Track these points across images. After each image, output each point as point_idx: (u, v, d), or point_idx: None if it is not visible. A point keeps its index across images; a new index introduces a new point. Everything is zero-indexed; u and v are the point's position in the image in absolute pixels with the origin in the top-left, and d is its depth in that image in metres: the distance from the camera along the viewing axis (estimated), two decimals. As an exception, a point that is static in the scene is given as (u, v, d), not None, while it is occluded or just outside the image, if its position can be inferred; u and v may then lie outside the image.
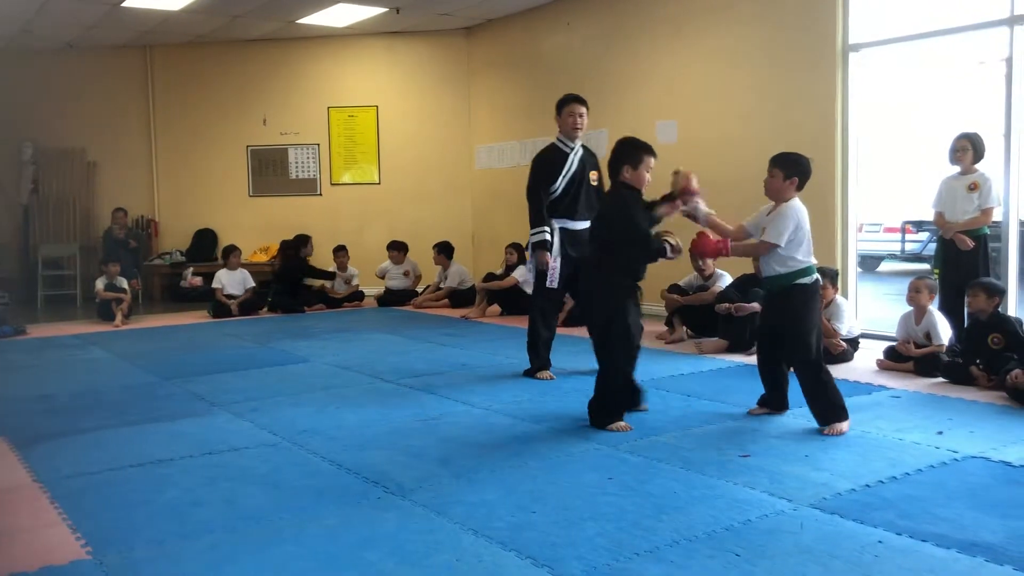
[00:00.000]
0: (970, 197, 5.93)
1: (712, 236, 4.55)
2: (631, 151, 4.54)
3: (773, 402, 4.67)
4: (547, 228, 5.70)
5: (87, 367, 6.70)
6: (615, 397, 4.49)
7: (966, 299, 5.53)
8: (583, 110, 5.74)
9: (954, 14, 6.72)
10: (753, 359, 6.27)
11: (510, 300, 9.04)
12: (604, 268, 4.50)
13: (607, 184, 5.15)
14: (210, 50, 11.54)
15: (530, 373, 5.82)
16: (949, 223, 6.04)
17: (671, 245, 4.43)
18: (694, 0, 8.31)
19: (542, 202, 5.73)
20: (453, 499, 3.44)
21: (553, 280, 5.66)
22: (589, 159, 5.82)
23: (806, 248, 4.38)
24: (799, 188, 4.38)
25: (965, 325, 5.94)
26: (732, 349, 6.56)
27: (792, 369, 4.50)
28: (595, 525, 3.13)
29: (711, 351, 6.61)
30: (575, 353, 6.34)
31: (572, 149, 5.76)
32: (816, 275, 4.43)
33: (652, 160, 4.56)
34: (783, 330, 4.44)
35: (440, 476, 3.74)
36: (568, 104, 5.74)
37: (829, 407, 4.33)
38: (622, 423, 4.43)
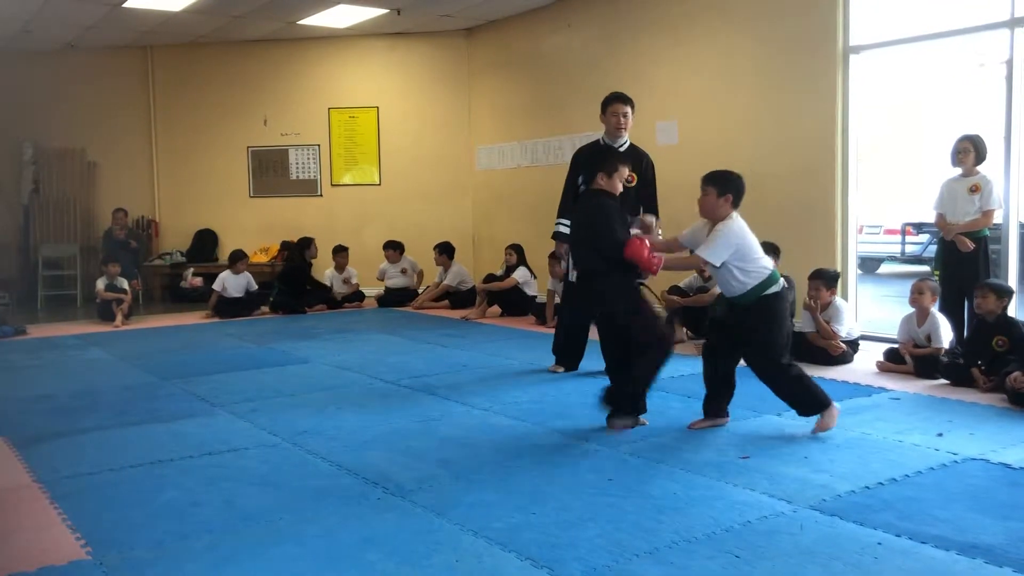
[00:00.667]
0: (971, 199, 5.93)
1: (646, 246, 4.39)
2: (606, 159, 4.62)
3: (719, 410, 4.54)
4: (564, 221, 5.70)
5: (87, 367, 6.70)
6: (637, 390, 4.46)
7: (974, 300, 5.53)
8: (626, 109, 5.67)
9: (954, 16, 6.73)
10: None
11: (510, 301, 9.04)
12: (612, 271, 4.49)
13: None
14: (211, 50, 11.54)
15: (553, 368, 6.06)
16: (950, 225, 6.03)
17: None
18: (695, 1, 8.32)
19: (568, 194, 5.80)
20: (453, 500, 3.44)
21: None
22: (629, 159, 5.75)
23: (759, 257, 4.29)
24: (735, 205, 4.30)
25: (966, 326, 5.95)
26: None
27: (761, 377, 4.37)
28: (595, 526, 3.13)
29: (711, 352, 6.59)
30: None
31: (609, 146, 5.71)
32: (781, 279, 4.35)
33: (626, 170, 4.65)
34: (752, 340, 4.32)
35: (440, 477, 3.74)
36: (611, 104, 5.69)
37: (812, 400, 4.30)
38: (629, 420, 4.44)
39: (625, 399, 4.45)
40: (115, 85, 11.63)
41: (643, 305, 4.52)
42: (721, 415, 4.56)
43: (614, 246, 4.40)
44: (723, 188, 4.27)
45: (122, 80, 11.65)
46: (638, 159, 5.72)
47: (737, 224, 4.27)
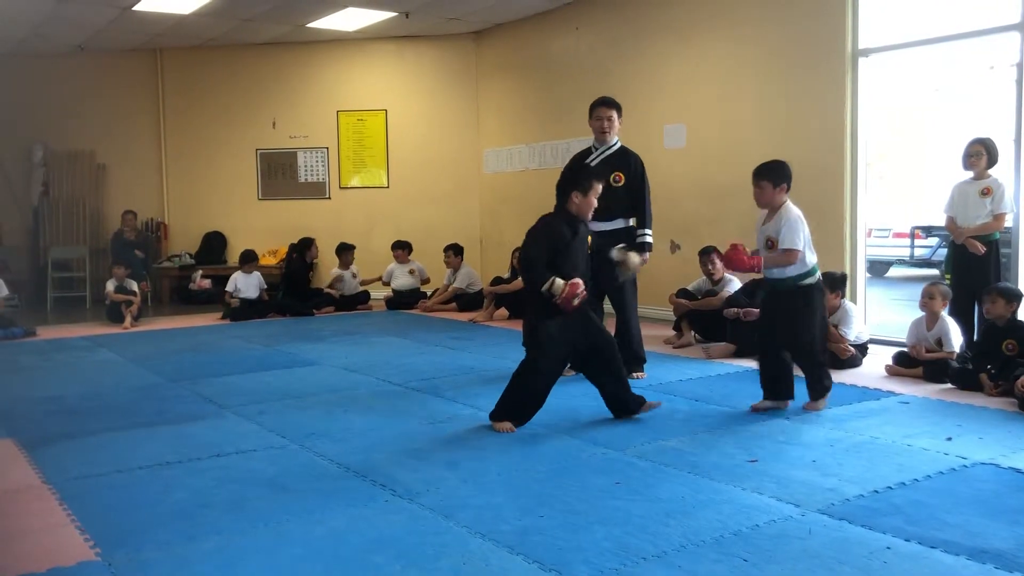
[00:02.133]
0: (983, 202, 5.90)
1: (746, 250, 4.69)
2: (579, 177, 4.67)
3: (781, 392, 4.82)
4: None
5: (96, 369, 6.72)
6: (522, 399, 4.54)
7: (984, 304, 5.50)
8: (611, 113, 5.76)
9: (964, 19, 6.70)
10: (752, 363, 6.27)
11: (518, 304, 9.02)
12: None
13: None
14: (220, 53, 11.58)
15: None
16: (961, 228, 6.01)
17: (560, 286, 4.42)
18: (703, 4, 8.31)
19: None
20: (460, 502, 3.44)
21: None
22: (617, 160, 5.79)
23: (811, 249, 4.62)
24: (787, 190, 4.66)
25: (976, 330, 5.93)
26: (740, 353, 6.55)
27: (795, 357, 4.77)
28: (602, 529, 3.12)
29: (719, 356, 6.59)
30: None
31: (597, 151, 5.80)
32: (819, 274, 4.66)
33: (600, 186, 4.66)
34: (789, 326, 4.67)
35: (447, 479, 3.74)
36: (596, 108, 5.81)
37: (821, 387, 4.77)
38: (508, 424, 4.52)
39: (512, 402, 4.56)
40: (125, 88, 11.68)
41: (548, 342, 4.52)
42: (781, 397, 4.81)
43: (527, 264, 4.50)
44: (777, 179, 4.64)
45: (132, 83, 11.70)
46: (626, 159, 5.79)
47: (798, 210, 4.64)
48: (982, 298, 5.54)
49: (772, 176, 4.64)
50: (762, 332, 4.86)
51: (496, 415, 4.57)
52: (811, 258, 4.62)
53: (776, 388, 4.82)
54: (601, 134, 5.78)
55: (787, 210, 4.61)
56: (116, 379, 6.26)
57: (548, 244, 4.50)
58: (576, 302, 4.42)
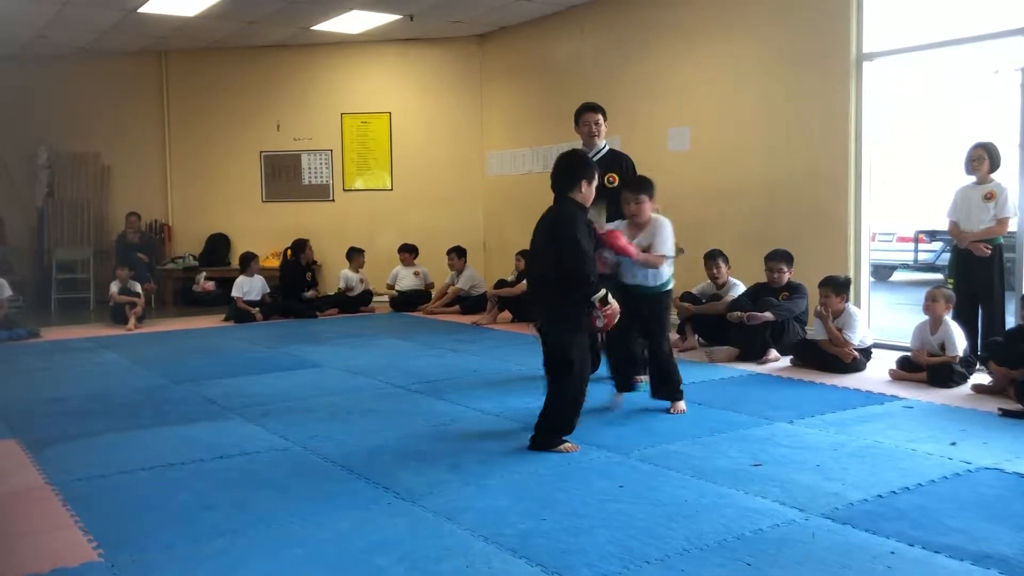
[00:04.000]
0: (986, 207, 5.90)
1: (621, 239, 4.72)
2: (587, 166, 4.48)
3: (626, 383, 5.11)
4: None
5: (100, 370, 6.73)
6: (563, 417, 4.25)
7: (1020, 310, 5.49)
8: (597, 118, 5.75)
9: (969, 23, 6.69)
10: (765, 368, 6.27)
11: (521, 307, 9.03)
12: (556, 293, 4.22)
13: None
14: (225, 56, 11.60)
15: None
16: (964, 232, 6.01)
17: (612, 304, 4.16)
18: (708, 8, 8.31)
19: None
20: (463, 505, 3.44)
21: None
22: (609, 162, 5.76)
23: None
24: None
25: (979, 334, 5.92)
26: (743, 358, 6.54)
27: (651, 356, 5.03)
28: (605, 532, 3.12)
29: (722, 360, 6.59)
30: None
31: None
32: (672, 282, 5.00)
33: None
34: (647, 326, 4.95)
35: (450, 482, 3.74)
36: (582, 114, 5.80)
37: (675, 387, 4.97)
38: (569, 444, 4.22)
39: (550, 426, 4.25)
40: (129, 90, 11.70)
41: (577, 343, 4.20)
42: (621, 389, 5.11)
43: (584, 256, 4.10)
44: (653, 192, 4.93)
45: (136, 85, 11.72)
46: (618, 161, 5.79)
47: (668, 219, 4.93)
48: (988, 302, 5.52)
49: (651, 190, 4.92)
50: (622, 331, 4.70)
51: (549, 442, 4.21)
52: (669, 268, 4.94)
53: (624, 379, 5.10)
54: (590, 138, 5.77)
55: (660, 220, 4.90)
56: (120, 380, 6.27)
57: (588, 235, 4.25)
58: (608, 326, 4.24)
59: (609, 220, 5.64)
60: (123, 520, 3.35)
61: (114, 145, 11.73)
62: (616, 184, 5.69)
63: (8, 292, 8.92)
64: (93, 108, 11.61)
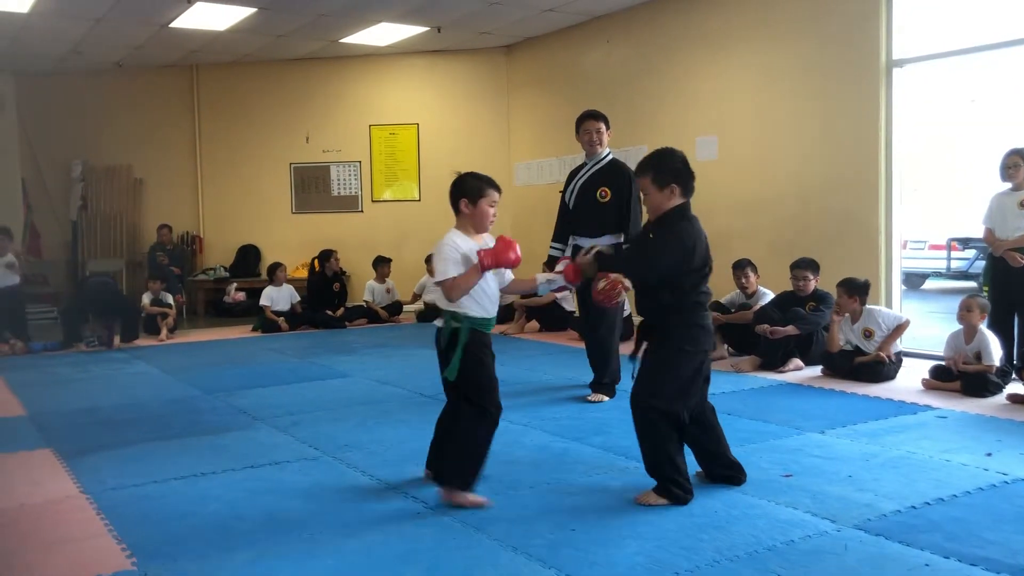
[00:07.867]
0: (1021, 214, 5.82)
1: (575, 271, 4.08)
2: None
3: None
4: (555, 244, 5.87)
5: (132, 381, 6.81)
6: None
7: None
8: (599, 126, 5.67)
9: (1000, 28, 6.62)
10: (795, 377, 6.21)
11: (549, 316, 9.04)
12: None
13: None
14: (254, 69, 11.73)
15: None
16: (999, 240, 5.93)
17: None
18: (735, 16, 8.29)
19: (559, 217, 5.89)
20: (492, 515, 3.43)
21: (564, 298, 5.72)
22: (605, 175, 5.63)
23: None
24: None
25: (1016, 343, 5.84)
26: (766, 366, 6.50)
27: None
28: (635, 543, 3.10)
29: (748, 369, 6.54)
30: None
31: (588, 165, 5.76)
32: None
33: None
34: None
35: (479, 492, 3.73)
36: (583, 122, 5.74)
37: (462, 467, 3.59)
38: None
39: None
40: (161, 103, 11.87)
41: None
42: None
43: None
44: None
45: (168, 98, 11.89)
46: (615, 174, 5.63)
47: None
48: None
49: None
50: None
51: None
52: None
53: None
54: (590, 147, 5.70)
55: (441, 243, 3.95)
56: (152, 391, 6.34)
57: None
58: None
59: (597, 235, 5.50)
60: (156, 529, 3.38)
61: (146, 158, 11.90)
62: (608, 199, 5.56)
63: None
64: (126, 122, 11.80)
